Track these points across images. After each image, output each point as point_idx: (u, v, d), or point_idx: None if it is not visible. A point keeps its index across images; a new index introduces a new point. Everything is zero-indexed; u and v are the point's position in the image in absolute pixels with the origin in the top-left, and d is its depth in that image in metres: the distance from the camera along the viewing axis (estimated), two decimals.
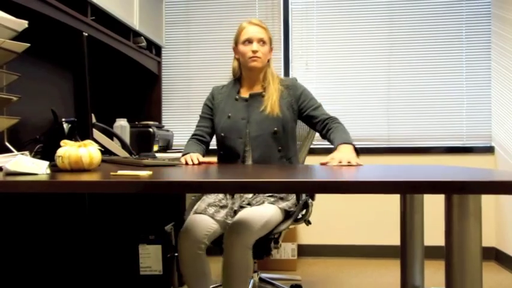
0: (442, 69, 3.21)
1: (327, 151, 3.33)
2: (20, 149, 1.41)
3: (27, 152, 1.26)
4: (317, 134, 2.26)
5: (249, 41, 1.84)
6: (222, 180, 0.89)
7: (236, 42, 1.91)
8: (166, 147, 2.84)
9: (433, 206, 2.60)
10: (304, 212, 1.98)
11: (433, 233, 2.60)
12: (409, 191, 0.84)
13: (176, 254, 2.38)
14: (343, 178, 0.91)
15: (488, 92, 3.17)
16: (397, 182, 0.83)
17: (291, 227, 1.88)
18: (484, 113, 3.18)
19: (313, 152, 2.61)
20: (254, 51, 1.83)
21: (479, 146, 3.17)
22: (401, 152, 3.22)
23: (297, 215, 1.89)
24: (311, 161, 2.35)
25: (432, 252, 2.86)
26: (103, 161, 1.37)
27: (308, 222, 2.00)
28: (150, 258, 2.25)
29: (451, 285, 0.96)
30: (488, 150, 3.15)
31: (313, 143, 2.53)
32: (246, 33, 1.86)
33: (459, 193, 0.88)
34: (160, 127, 2.84)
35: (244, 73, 1.94)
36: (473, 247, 0.94)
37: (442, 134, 3.22)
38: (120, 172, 1.06)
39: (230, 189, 0.91)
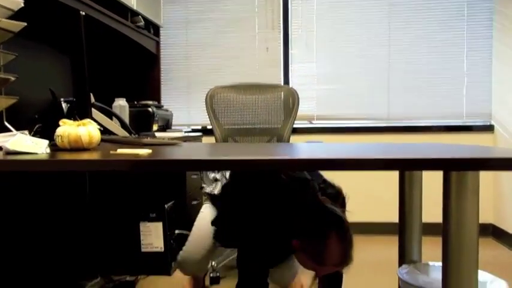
0: (443, 48, 3.19)
1: (310, 131, 3.34)
2: (18, 128, 1.41)
3: (26, 132, 1.26)
4: (300, 113, 2.34)
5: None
6: (221, 158, 0.89)
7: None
8: (165, 126, 2.84)
9: (432, 183, 2.61)
10: None
11: (431, 210, 2.63)
12: (408, 168, 0.85)
13: (177, 232, 2.41)
14: (341, 155, 0.91)
15: (489, 70, 3.15)
16: (396, 159, 0.84)
17: None
18: (485, 91, 3.17)
19: (296, 131, 2.62)
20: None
21: (479, 125, 3.17)
22: (401, 131, 3.22)
23: None
24: (295, 140, 2.37)
25: (430, 229, 2.89)
26: (102, 140, 1.37)
27: None
28: (151, 235, 2.28)
29: (448, 260, 0.98)
30: (488, 128, 3.15)
31: (296, 122, 2.56)
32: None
33: (457, 170, 0.89)
34: (159, 107, 2.83)
35: None
36: (471, 223, 0.95)
37: (442, 113, 3.21)
38: (119, 151, 1.06)
39: (229, 167, 0.91)
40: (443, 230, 0.98)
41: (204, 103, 2.44)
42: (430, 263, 1.43)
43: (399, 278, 1.33)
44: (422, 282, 1.26)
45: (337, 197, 1.57)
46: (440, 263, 1.03)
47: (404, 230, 1.47)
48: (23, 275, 1.58)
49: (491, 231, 3.15)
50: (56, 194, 2.26)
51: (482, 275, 1.31)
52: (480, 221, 0.92)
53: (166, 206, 2.31)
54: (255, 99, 2.67)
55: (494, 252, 2.80)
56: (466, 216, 0.93)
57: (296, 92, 2.54)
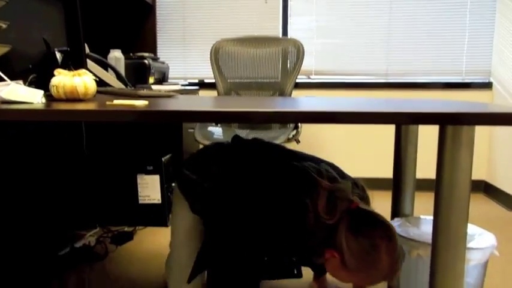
0: (445, 2, 3.11)
1: (308, 86, 3.32)
2: (12, 79, 1.39)
3: (20, 81, 1.24)
4: (303, 68, 2.30)
5: None
6: (217, 110, 0.89)
7: (349, 269, 1.15)
8: (162, 79, 2.81)
9: (426, 141, 2.63)
10: (294, 132, 2.34)
11: (425, 166, 2.66)
12: (405, 122, 0.85)
13: (174, 184, 2.44)
14: (339, 109, 0.91)
15: (491, 26, 3.09)
16: (393, 113, 0.84)
17: None
18: (486, 48, 3.13)
19: (297, 86, 2.61)
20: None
21: (477, 82, 3.15)
22: (399, 87, 3.20)
23: (288, 136, 2.16)
24: (293, 95, 2.36)
25: (423, 185, 2.94)
26: (98, 92, 1.36)
27: (298, 141, 2.35)
28: (148, 188, 2.31)
29: (439, 213, 1.00)
30: (487, 86, 3.13)
31: (299, 77, 2.55)
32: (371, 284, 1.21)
33: (453, 124, 0.89)
34: (155, 59, 2.79)
35: None
36: (463, 178, 0.96)
37: (441, 69, 3.18)
38: (116, 102, 1.05)
39: (224, 118, 0.91)
40: (436, 184, 1.00)
41: (201, 56, 2.42)
42: (422, 217, 1.46)
43: None
44: (413, 235, 1.30)
45: (364, 197, 1.27)
46: (431, 217, 1.05)
47: (398, 185, 1.50)
48: (21, 226, 1.62)
49: (484, 187, 3.21)
50: (53, 145, 2.27)
51: (472, 229, 1.35)
52: (473, 178, 0.93)
53: (163, 159, 2.33)
54: (259, 52, 2.65)
55: (485, 208, 2.87)
56: (460, 170, 0.95)
57: (302, 45, 2.51)
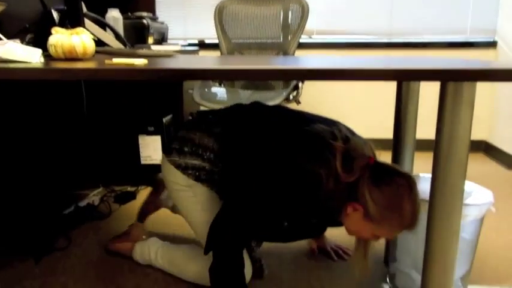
0: None
1: (310, 46, 3.27)
2: (8, 38, 1.37)
3: (18, 40, 1.23)
4: (307, 27, 2.25)
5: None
6: (218, 67, 0.89)
7: (373, 221, 1.16)
8: (161, 40, 2.77)
9: (428, 101, 2.62)
10: (294, 93, 2.37)
11: (426, 127, 2.67)
12: (406, 78, 0.85)
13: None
14: (339, 66, 0.90)
15: None
16: (395, 69, 0.83)
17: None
18: (491, 6, 3.05)
19: (299, 46, 2.58)
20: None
21: (482, 41, 3.10)
22: (403, 47, 3.15)
23: (287, 96, 2.18)
24: (299, 55, 2.32)
25: (423, 146, 2.96)
26: (96, 52, 1.34)
27: (298, 102, 2.40)
28: (150, 148, 2.33)
29: (437, 170, 1.02)
30: (491, 45, 3.09)
31: (302, 36, 2.52)
32: (394, 235, 1.24)
33: (454, 80, 0.89)
34: (154, 19, 2.73)
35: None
36: (463, 134, 0.97)
37: (446, 28, 3.12)
38: (115, 60, 1.04)
39: (224, 76, 0.91)
40: (435, 140, 1.00)
41: (201, 16, 2.37)
42: (421, 175, 1.48)
43: None
44: None
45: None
46: (430, 175, 1.07)
47: (397, 144, 1.51)
48: (27, 186, 1.64)
49: (484, 147, 3.22)
50: (54, 107, 2.27)
51: (470, 186, 1.36)
52: (474, 138, 0.94)
53: (164, 119, 2.33)
54: (264, 11, 2.61)
55: (485, 167, 2.90)
56: (459, 127, 0.95)
57: (307, 3, 2.46)
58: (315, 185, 1.13)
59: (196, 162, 1.32)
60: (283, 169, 1.17)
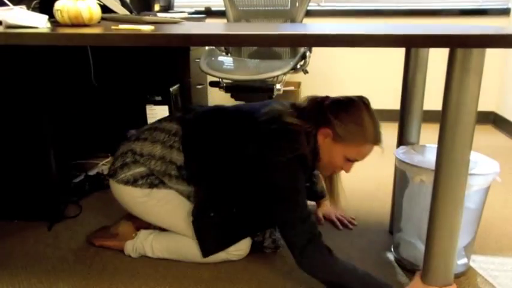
0: None
1: (318, 14, 3.20)
2: (15, 4, 1.36)
3: (24, 6, 1.22)
4: None
5: (353, 161, 1.34)
6: (225, 33, 0.88)
7: (342, 141, 1.29)
8: (167, 7, 2.74)
9: (437, 71, 2.59)
10: (302, 62, 2.41)
11: (434, 98, 2.64)
12: (414, 44, 0.83)
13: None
14: (346, 32, 0.89)
15: None
16: (401, 35, 0.82)
17: (290, 78, 2.02)
18: None
19: (307, 14, 2.54)
20: (346, 171, 1.38)
21: (495, 8, 3.02)
22: (413, 14, 3.09)
23: (295, 65, 2.23)
24: (308, 22, 2.28)
25: (431, 116, 2.94)
26: (103, 18, 1.33)
27: (305, 71, 2.47)
28: (157, 117, 2.33)
29: (444, 139, 1.02)
30: (504, 12, 3.01)
31: (310, 4, 2.48)
32: (362, 153, 1.32)
33: (463, 46, 0.87)
34: None
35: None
36: (470, 103, 0.96)
37: None
38: (121, 26, 1.04)
39: (232, 42, 0.90)
40: (442, 109, 1.00)
41: None
42: (428, 145, 1.48)
43: (396, 158, 1.39)
44: (417, 161, 1.32)
45: None
46: (436, 145, 1.07)
47: (405, 114, 1.50)
48: (36, 155, 1.66)
49: (493, 119, 3.19)
50: (61, 75, 2.27)
51: (476, 156, 1.36)
52: (483, 109, 0.93)
53: (171, 89, 2.33)
54: None
55: (493, 138, 2.88)
56: (467, 95, 0.94)
57: None
58: (303, 162, 1.27)
59: (142, 169, 1.36)
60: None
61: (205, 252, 1.38)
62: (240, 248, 1.42)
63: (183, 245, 1.41)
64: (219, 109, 1.44)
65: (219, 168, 1.35)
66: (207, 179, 1.37)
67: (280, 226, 1.25)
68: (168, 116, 1.51)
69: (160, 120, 1.49)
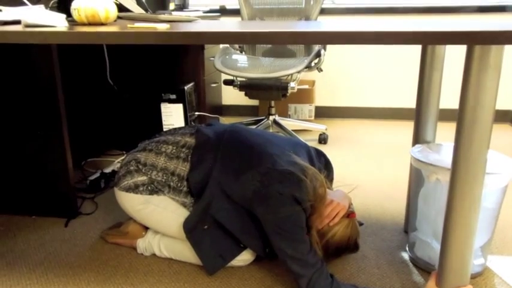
0: None
1: (332, 12, 3.17)
2: (33, 4, 1.39)
3: (42, 6, 1.24)
4: None
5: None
6: (239, 30, 0.88)
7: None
8: (182, 6, 2.75)
9: (454, 70, 2.55)
10: (316, 60, 2.46)
11: (450, 97, 2.61)
12: (431, 41, 0.82)
13: (196, 113, 2.48)
14: (361, 29, 0.89)
15: None
16: (418, 32, 0.81)
17: (304, 77, 2.00)
18: None
19: (321, 12, 2.53)
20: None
21: None
22: (430, 12, 3.05)
23: (309, 63, 2.27)
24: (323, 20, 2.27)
25: (445, 115, 2.90)
26: (118, 17, 1.35)
27: (320, 70, 2.51)
28: (172, 116, 2.35)
29: (461, 138, 1.00)
30: None
31: (325, 1, 2.48)
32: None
33: (481, 43, 0.86)
34: None
35: None
36: (488, 101, 0.95)
37: None
38: (137, 25, 1.05)
39: (247, 40, 0.90)
40: (459, 107, 0.99)
41: None
42: (443, 143, 1.46)
43: (411, 156, 1.38)
44: (432, 160, 1.30)
45: (328, 168, 1.57)
46: (453, 144, 1.05)
47: (420, 112, 1.48)
48: (54, 152, 1.69)
49: (511, 118, 3.14)
50: (77, 72, 2.30)
51: (493, 155, 1.34)
52: (501, 108, 0.91)
53: (185, 87, 2.34)
54: None
55: (510, 137, 2.83)
56: (485, 93, 0.93)
57: None
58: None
59: (143, 178, 1.39)
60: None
61: (210, 269, 1.36)
62: (243, 259, 1.40)
63: (188, 247, 1.40)
64: (239, 131, 1.43)
65: (221, 189, 1.34)
66: (208, 192, 1.35)
67: (285, 260, 1.25)
68: (181, 128, 1.52)
69: (172, 132, 1.50)
